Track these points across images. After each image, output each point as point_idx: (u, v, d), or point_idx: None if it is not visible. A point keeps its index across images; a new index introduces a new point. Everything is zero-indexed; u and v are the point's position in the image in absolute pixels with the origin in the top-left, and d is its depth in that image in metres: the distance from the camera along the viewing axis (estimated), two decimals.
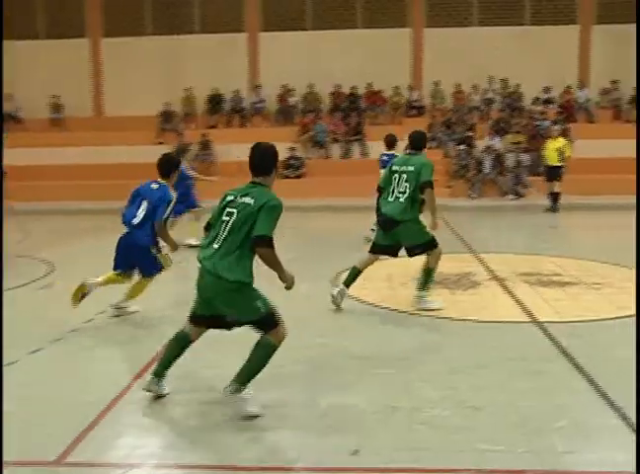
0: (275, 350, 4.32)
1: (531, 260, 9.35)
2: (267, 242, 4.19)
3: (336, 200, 15.77)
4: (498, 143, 17.31)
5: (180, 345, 4.56)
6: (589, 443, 4.03)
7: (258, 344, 4.32)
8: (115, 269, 6.55)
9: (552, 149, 14.89)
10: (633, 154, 17.29)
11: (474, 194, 16.57)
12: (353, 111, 19.32)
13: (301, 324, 5.92)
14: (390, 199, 6.65)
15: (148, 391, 4.56)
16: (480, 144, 17.42)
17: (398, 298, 7.23)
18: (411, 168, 6.64)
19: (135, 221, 6.42)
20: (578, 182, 15.82)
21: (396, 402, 4.53)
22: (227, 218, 4.29)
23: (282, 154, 17.75)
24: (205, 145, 17.92)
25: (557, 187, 14.72)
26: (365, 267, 6.90)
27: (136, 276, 6.64)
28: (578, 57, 20.66)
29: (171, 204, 6.39)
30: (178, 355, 4.57)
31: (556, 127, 15.53)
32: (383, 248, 6.79)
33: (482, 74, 19.88)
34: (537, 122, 18.04)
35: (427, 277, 6.76)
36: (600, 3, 20.49)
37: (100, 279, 6.53)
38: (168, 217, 6.41)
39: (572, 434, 4.12)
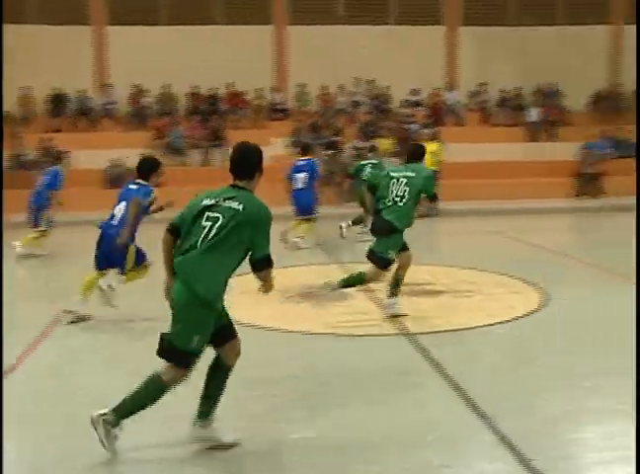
0: (165, 390, 4.13)
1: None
2: (268, 261, 4.16)
3: None
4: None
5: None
6: (463, 457, 4.22)
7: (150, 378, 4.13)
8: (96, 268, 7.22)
9: (427, 153, 15.46)
10: (502, 158, 18.37)
11: (344, 200, 16.94)
12: (212, 114, 19.26)
13: None
14: (389, 204, 6.96)
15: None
16: (348, 148, 17.90)
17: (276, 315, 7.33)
18: (411, 173, 7.05)
19: (114, 222, 7.07)
20: (447, 187, 16.58)
21: (262, 424, 4.58)
22: (209, 223, 4.11)
23: (135, 161, 17.38)
24: (47, 151, 17.25)
25: None
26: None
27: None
28: (445, 59, 21.71)
29: (151, 195, 7.00)
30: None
31: (427, 131, 16.19)
32: None
33: (349, 75, 20.40)
34: (406, 125, 18.79)
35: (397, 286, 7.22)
36: (466, 4, 21.67)
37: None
38: (148, 207, 7.06)
39: (446, 448, 4.29)
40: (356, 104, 20.28)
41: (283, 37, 21.00)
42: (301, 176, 11.48)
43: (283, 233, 11.38)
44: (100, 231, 7.21)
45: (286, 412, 4.81)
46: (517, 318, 7.16)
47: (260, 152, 4.32)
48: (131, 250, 7.13)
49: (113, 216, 7.16)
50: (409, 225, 7.06)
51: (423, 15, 21.46)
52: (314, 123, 18.98)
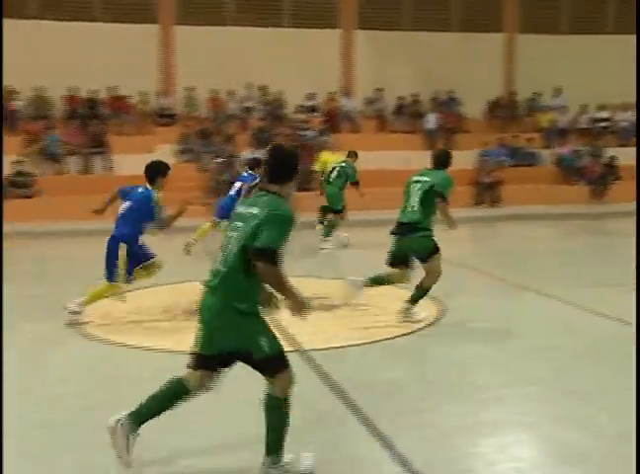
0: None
1: (302, 282, 9.72)
2: (269, 256, 3.90)
3: (77, 224, 15.24)
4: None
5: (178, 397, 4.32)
6: None
7: (266, 404, 4.14)
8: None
9: (330, 161, 15.35)
10: (399, 166, 18.78)
11: None
12: (92, 118, 18.88)
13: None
14: (408, 209, 7.59)
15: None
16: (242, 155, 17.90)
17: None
18: (426, 178, 7.53)
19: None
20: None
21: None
22: (233, 234, 4.09)
23: (7, 169, 16.85)
24: None
25: None
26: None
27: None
28: (341, 63, 22.10)
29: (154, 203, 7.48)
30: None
31: (324, 138, 16.36)
32: (400, 258, 7.67)
33: (240, 78, 20.42)
34: (301, 132, 18.97)
35: (420, 295, 7.66)
36: (362, 7, 22.13)
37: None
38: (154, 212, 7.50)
39: (345, 469, 4.40)
40: (248, 109, 20.39)
41: (170, 37, 20.81)
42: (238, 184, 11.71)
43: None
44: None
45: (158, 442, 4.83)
46: (413, 331, 7.35)
47: (296, 156, 4.27)
48: (122, 256, 7.52)
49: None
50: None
51: (318, 17, 21.76)
52: (204, 130, 18.88)
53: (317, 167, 15.85)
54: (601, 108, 22.28)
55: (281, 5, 21.74)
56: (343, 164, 13.52)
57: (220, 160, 17.53)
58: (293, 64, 20.72)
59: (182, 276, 9.65)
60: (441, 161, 7.69)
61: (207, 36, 20.53)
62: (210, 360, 4.16)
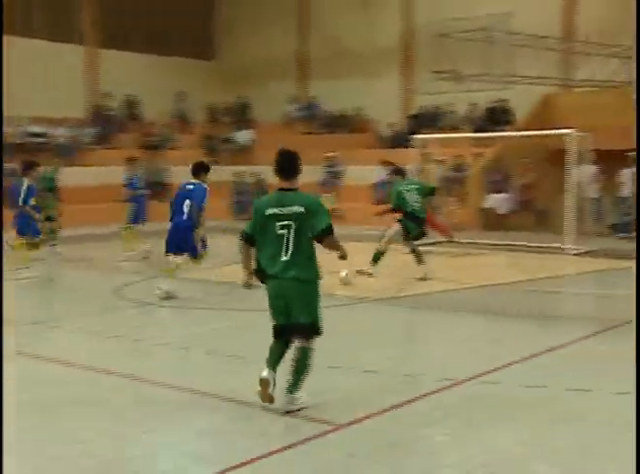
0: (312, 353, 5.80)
1: None
2: (332, 231, 5.67)
3: None
4: None
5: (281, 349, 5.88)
6: None
7: (298, 351, 5.76)
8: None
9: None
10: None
11: None
12: None
13: None
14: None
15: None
16: None
17: None
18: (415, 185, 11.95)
19: (184, 217, 10.24)
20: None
21: None
22: (285, 231, 5.62)
23: None
24: None
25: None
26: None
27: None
28: None
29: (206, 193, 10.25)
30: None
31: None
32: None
33: None
34: None
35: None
36: None
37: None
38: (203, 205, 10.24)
39: None
40: None
41: None
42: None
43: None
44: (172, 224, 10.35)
45: None
46: None
47: (298, 156, 5.81)
48: (196, 238, 10.24)
49: (182, 212, 10.18)
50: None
51: None
52: None
53: None
54: (37, 121, 22.02)
55: None
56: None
57: None
58: None
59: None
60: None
61: None
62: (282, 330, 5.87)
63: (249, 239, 5.82)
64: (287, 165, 5.78)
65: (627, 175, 17.48)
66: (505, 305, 10.24)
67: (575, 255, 14.99)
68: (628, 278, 11.36)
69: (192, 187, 10.27)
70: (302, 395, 5.76)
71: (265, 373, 5.63)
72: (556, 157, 16.55)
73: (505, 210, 19.39)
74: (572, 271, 13.81)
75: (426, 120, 23.63)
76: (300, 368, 5.74)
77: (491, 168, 19.96)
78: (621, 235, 17.26)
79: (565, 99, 21.16)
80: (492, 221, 19.27)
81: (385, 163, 18.66)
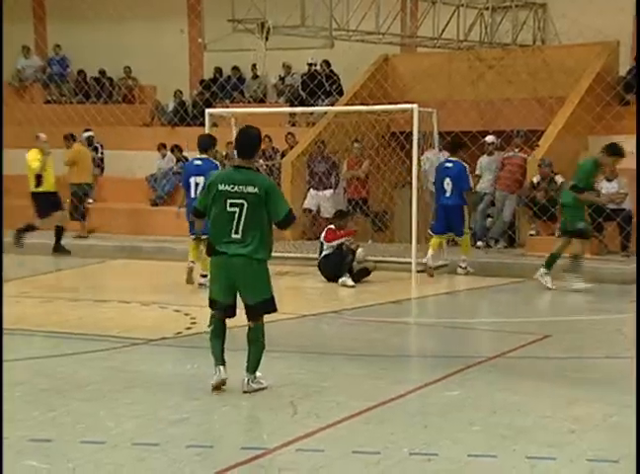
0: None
1: None
2: (293, 216, 6.87)
3: None
4: None
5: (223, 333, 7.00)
6: None
7: (251, 331, 6.92)
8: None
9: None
10: None
11: None
12: None
13: None
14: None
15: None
16: None
17: None
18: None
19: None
20: None
21: None
22: (236, 209, 6.62)
23: None
24: None
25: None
26: None
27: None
28: None
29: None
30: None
31: None
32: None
33: None
34: None
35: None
36: None
37: None
38: None
39: None
40: None
41: None
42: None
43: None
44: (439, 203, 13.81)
45: None
46: None
47: (260, 135, 6.99)
48: (465, 213, 12.92)
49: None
50: None
51: None
52: None
53: None
54: None
55: None
56: None
57: None
58: None
59: None
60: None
61: None
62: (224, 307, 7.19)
63: (200, 216, 7.22)
64: (246, 143, 6.88)
65: (485, 165, 16.71)
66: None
67: (419, 272, 14.14)
68: (483, 300, 12.45)
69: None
70: (260, 374, 6.90)
71: (223, 375, 6.94)
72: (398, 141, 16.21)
73: (329, 214, 17.15)
74: (415, 294, 13.53)
75: (221, 89, 22.14)
76: (257, 348, 6.85)
77: (313, 155, 18.41)
78: (479, 244, 16.23)
79: (407, 62, 20.16)
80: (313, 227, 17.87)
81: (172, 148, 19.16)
